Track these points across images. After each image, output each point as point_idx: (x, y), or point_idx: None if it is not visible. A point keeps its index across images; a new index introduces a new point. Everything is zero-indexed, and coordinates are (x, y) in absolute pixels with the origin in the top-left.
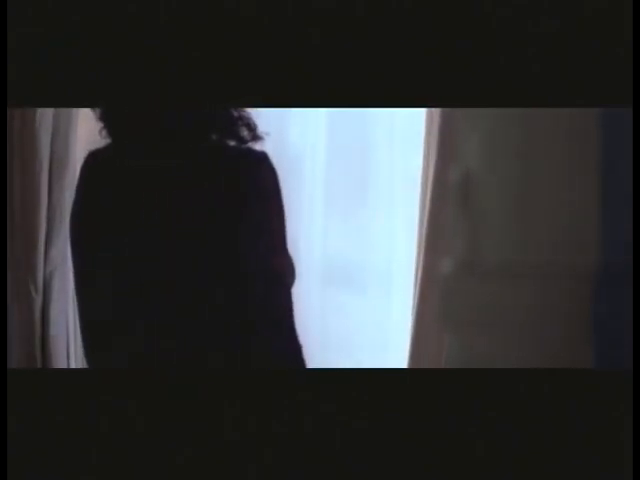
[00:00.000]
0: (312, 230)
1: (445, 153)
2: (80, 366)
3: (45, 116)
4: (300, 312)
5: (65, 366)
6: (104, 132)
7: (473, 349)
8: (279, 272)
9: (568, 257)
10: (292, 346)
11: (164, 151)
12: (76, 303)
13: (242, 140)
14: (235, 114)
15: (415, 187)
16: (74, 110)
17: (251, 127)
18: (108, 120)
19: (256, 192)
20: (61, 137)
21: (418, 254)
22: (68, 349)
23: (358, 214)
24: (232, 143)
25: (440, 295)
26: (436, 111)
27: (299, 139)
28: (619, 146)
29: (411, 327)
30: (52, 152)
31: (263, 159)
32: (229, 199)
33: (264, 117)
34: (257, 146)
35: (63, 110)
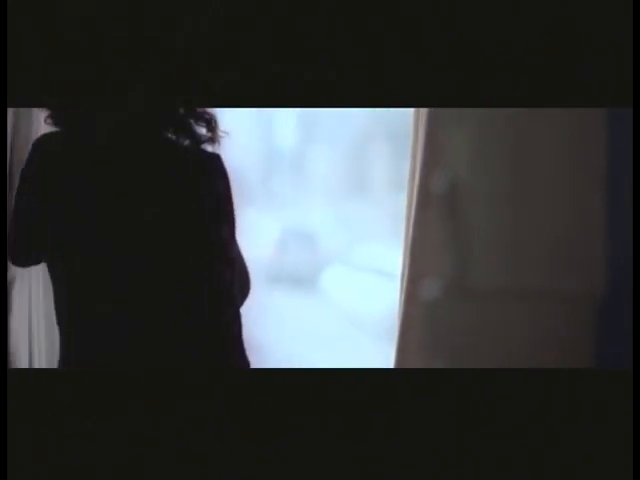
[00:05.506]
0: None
1: (432, 158)
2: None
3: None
4: (274, 321)
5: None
6: (50, 120)
7: None
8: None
9: (570, 278)
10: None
11: (114, 142)
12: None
13: (198, 139)
14: (191, 113)
15: (402, 195)
16: (35, 110)
17: (211, 126)
18: (61, 110)
19: (205, 195)
20: (21, 138)
21: (402, 273)
22: (31, 361)
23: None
24: (186, 142)
25: (426, 321)
26: (423, 111)
27: (282, 139)
28: (627, 151)
29: (394, 355)
30: (12, 153)
31: (215, 160)
32: (176, 199)
33: (247, 116)
34: (219, 146)
35: (23, 110)
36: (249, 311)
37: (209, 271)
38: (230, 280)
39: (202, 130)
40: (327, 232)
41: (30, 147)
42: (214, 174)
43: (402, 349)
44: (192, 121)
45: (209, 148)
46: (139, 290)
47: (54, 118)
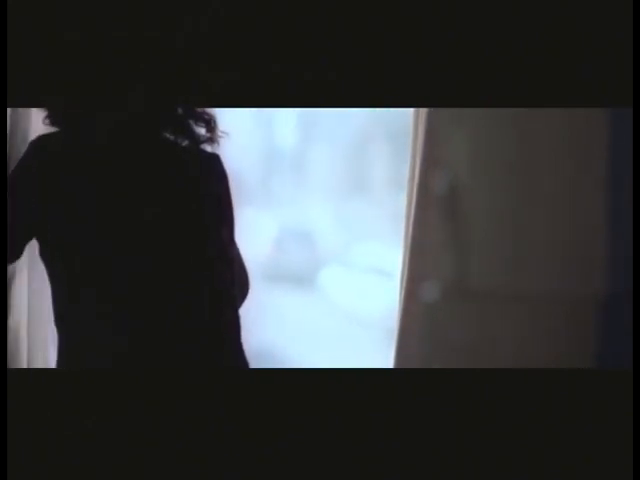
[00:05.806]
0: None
1: (432, 158)
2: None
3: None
4: (274, 321)
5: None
6: (48, 120)
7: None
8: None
9: (570, 278)
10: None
11: (114, 142)
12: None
13: (196, 140)
14: (190, 113)
15: (402, 195)
16: (33, 110)
17: (210, 127)
18: (59, 110)
19: (203, 195)
20: (19, 138)
21: (402, 275)
22: (29, 358)
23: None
24: (185, 142)
25: (426, 321)
26: (423, 111)
27: (282, 139)
28: (628, 151)
29: (394, 354)
30: (10, 153)
31: (214, 160)
32: (175, 199)
33: (247, 116)
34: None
35: (21, 110)
36: (249, 311)
37: (209, 271)
38: (230, 280)
39: (201, 130)
40: (326, 231)
41: (27, 147)
42: (213, 174)
43: (402, 349)
44: (191, 121)
45: (208, 148)
46: (139, 290)
47: (52, 118)
